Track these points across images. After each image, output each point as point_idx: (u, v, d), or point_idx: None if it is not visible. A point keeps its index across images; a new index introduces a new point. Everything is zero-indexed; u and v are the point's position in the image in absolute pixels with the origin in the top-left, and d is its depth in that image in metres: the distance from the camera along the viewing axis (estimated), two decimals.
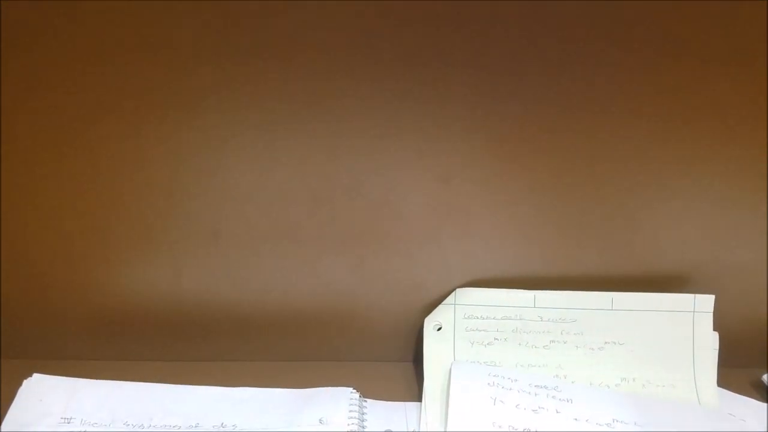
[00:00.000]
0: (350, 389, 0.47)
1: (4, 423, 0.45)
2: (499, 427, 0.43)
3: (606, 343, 0.48)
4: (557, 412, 0.44)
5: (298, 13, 0.36)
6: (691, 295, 0.48)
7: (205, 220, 0.46)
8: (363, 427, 0.45)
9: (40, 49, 0.39)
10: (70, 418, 0.45)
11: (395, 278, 0.48)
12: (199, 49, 0.38)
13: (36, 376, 0.48)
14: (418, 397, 0.49)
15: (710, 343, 0.48)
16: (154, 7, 0.37)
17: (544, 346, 0.48)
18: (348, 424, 0.44)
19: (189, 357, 0.53)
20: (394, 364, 0.53)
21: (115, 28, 0.38)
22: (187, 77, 0.40)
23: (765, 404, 0.49)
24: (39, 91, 0.40)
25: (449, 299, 0.48)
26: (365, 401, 0.48)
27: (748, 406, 0.49)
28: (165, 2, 0.36)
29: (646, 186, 0.44)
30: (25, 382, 0.47)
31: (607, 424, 0.44)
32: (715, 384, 0.48)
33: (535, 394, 0.46)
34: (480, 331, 0.48)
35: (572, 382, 0.47)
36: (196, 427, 0.45)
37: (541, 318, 0.48)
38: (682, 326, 0.48)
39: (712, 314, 0.48)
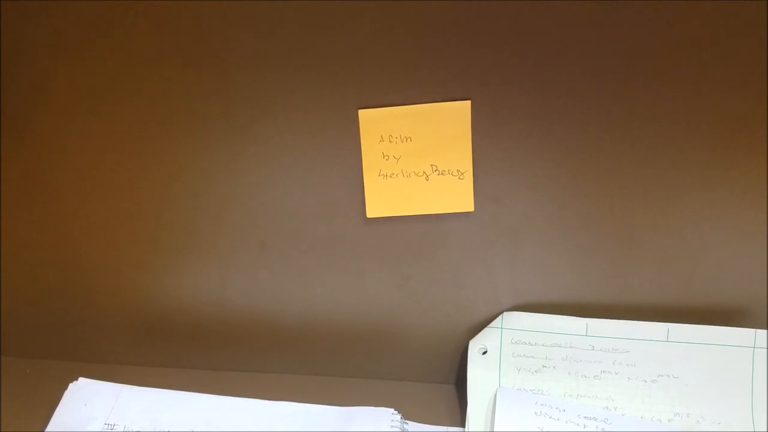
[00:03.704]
0: (392, 410, 0.47)
1: (49, 425, 0.45)
2: None
3: (660, 375, 0.46)
4: None
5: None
6: (751, 330, 0.45)
7: (253, 232, 0.46)
8: None
9: (95, 59, 0.40)
10: (114, 425, 0.45)
11: (440, 298, 0.47)
12: (249, 60, 0.39)
13: (82, 380, 0.49)
14: (459, 421, 0.48)
15: None
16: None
17: (594, 376, 0.46)
18: None
19: (231, 366, 0.53)
20: (435, 385, 0.51)
21: (184, 41, 0.38)
22: (244, 90, 0.40)
23: None
24: (93, 101, 0.41)
25: (496, 322, 0.47)
26: (407, 423, 0.47)
27: None
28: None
29: (707, 216, 0.42)
30: (71, 385, 0.48)
31: None
32: None
33: (584, 426, 0.44)
34: (528, 357, 0.46)
35: (623, 415, 0.45)
36: None
37: (593, 347, 0.46)
38: (741, 362, 0.45)
39: None
